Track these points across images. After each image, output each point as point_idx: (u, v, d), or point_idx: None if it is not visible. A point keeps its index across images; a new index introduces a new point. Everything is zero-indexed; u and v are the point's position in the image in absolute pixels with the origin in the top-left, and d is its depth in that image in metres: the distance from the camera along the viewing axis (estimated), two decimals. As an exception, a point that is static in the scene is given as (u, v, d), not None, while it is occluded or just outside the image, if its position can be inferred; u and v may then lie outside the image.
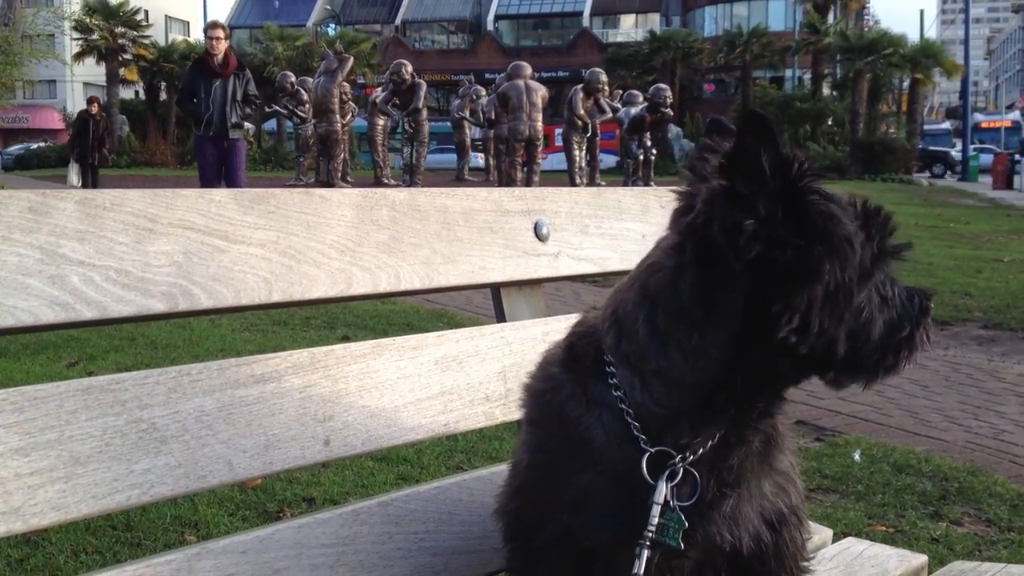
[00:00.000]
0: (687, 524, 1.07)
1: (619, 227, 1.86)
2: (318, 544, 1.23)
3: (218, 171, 10.81)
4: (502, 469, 1.50)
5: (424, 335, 1.47)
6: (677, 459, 1.06)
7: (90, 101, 21.11)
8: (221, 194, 1.28)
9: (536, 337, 1.63)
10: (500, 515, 1.25)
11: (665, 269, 1.03)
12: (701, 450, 1.07)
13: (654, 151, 22.07)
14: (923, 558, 1.67)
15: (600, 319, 1.13)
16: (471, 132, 27.34)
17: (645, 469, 1.06)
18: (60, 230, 1.09)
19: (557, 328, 1.66)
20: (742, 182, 0.94)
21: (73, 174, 20.18)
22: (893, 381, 5.22)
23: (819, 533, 1.71)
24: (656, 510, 1.06)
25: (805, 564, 1.20)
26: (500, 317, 1.66)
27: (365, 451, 1.33)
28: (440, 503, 1.38)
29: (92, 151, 19.94)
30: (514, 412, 1.55)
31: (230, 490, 3.37)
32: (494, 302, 1.69)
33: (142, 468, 1.10)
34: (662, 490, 1.06)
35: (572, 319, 1.70)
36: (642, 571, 1.05)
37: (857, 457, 3.93)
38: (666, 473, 1.06)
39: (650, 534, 1.06)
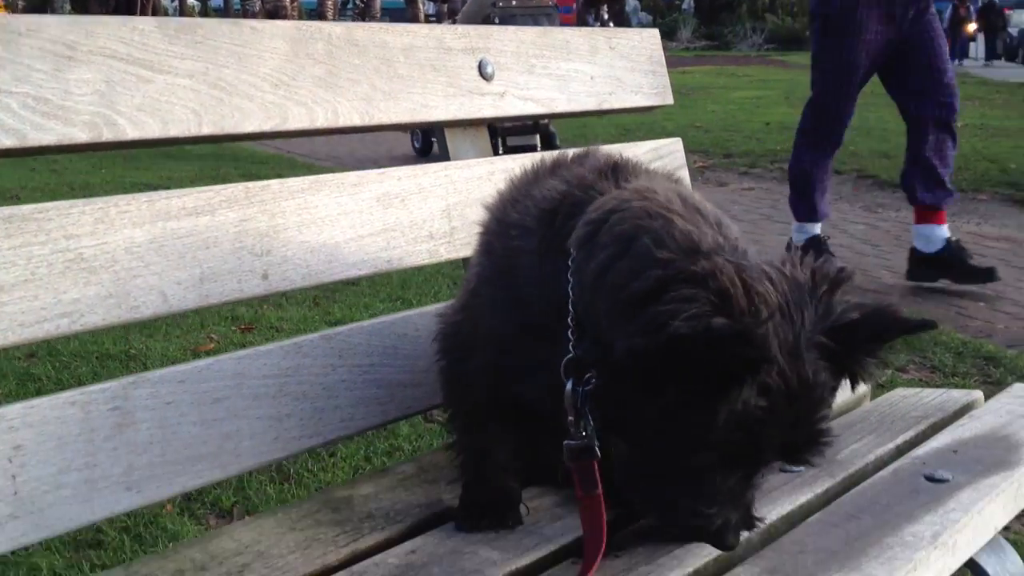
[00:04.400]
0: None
1: (567, 68, 1.81)
2: (259, 375, 1.21)
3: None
4: (448, 305, 1.50)
5: (365, 172, 1.43)
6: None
7: None
8: (145, 22, 1.22)
9: (481, 176, 1.60)
10: (442, 323, 1.26)
11: (631, 275, 0.95)
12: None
13: (611, 24, 21.72)
14: (863, 387, 1.70)
15: (593, 206, 1.04)
16: (424, 7, 26.68)
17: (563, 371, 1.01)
18: (-29, 54, 1.04)
19: (503, 167, 1.63)
20: None
21: None
22: (843, 240, 5.28)
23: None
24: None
25: None
26: (444, 157, 1.63)
27: (305, 285, 1.31)
28: (384, 337, 1.37)
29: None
30: (459, 250, 1.53)
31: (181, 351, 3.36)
32: (438, 143, 1.66)
33: (71, 298, 1.07)
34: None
35: (519, 159, 1.68)
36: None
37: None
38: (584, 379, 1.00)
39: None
